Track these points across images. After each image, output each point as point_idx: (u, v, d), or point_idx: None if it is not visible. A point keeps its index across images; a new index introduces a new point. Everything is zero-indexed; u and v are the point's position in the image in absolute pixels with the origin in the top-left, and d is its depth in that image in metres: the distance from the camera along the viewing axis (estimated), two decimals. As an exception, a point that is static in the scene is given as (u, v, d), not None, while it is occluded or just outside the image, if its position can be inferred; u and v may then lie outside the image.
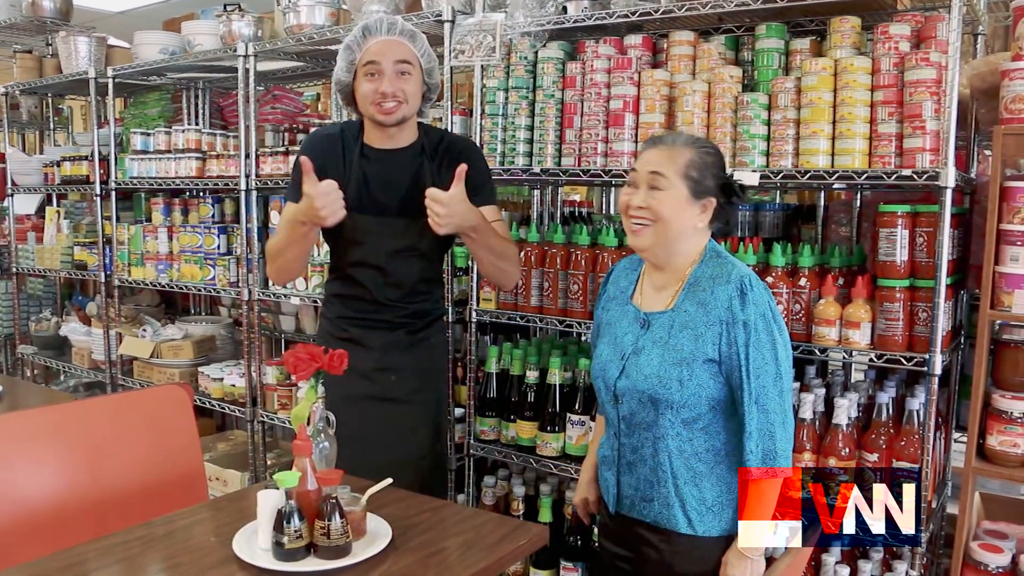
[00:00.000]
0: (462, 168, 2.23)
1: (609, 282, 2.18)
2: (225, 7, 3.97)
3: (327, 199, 2.19)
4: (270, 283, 3.84)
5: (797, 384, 2.57)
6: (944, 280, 2.28)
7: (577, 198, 4.78)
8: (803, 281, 2.51)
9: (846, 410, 2.41)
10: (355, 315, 2.52)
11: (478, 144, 3.03)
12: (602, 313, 2.15)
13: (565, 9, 2.92)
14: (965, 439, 2.44)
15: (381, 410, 2.50)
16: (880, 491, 2.40)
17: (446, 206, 2.20)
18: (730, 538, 1.94)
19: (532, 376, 2.95)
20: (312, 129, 3.81)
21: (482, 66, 3.01)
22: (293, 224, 2.33)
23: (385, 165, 2.46)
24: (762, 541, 1.88)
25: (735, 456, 1.93)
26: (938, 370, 2.29)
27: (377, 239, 2.44)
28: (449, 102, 3.12)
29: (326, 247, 2.90)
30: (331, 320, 2.58)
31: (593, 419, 2.73)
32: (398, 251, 2.46)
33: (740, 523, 1.90)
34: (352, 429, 2.32)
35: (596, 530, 2.47)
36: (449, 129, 3.10)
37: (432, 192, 2.22)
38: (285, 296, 3.85)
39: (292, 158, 3.52)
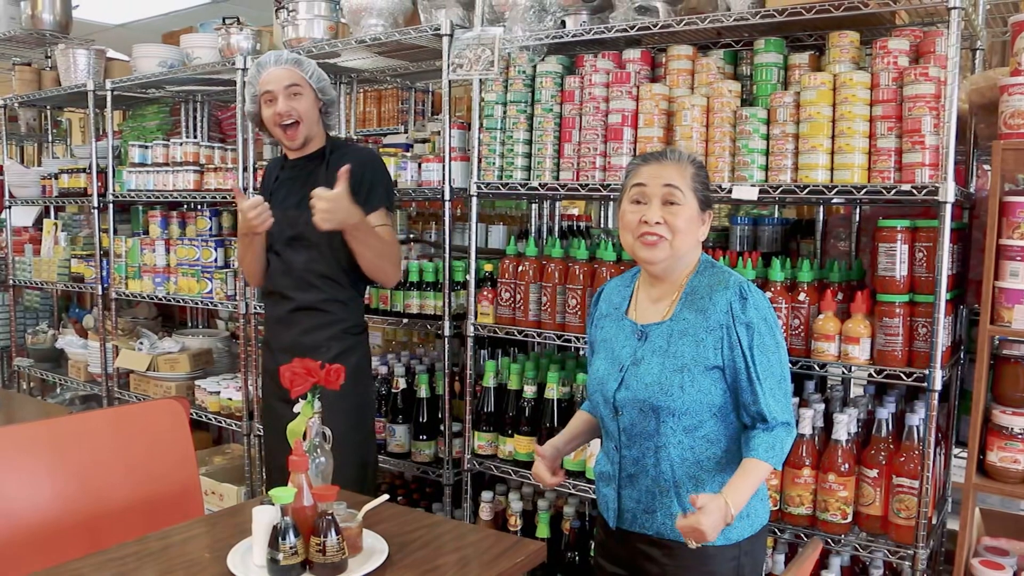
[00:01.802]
0: (344, 169, 2.51)
1: (600, 300, 2.18)
2: (224, 20, 3.97)
3: (255, 211, 2.60)
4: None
5: (796, 399, 2.56)
6: (944, 295, 2.27)
7: (575, 212, 4.78)
8: (802, 296, 2.50)
9: (845, 425, 2.40)
10: (268, 312, 2.92)
11: (476, 157, 3.03)
12: (596, 331, 2.14)
13: (564, 23, 2.92)
14: (965, 455, 2.43)
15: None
16: (879, 508, 2.40)
17: (328, 202, 2.48)
18: (733, 547, 1.92)
19: (530, 391, 2.94)
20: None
21: (480, 80, 3.01)
22: (240, 237, 2.81)
23: (294, 171, 2.84)
24: (740, 508, 1.80)
25: (736, 464, 1.92)
26: (938, 385, 2.28)
27: (278, 228, 2.75)
28: (447, 116, 3.12)
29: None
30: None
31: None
32: (290, 239, 2.77)
33: (728, 484, 1.84)
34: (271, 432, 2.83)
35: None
36: (448, 143, 3.11)
37: (317, 191, 2.51)
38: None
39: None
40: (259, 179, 3.79)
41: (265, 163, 3.82)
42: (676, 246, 1.93)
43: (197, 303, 4.18)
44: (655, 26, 2.66)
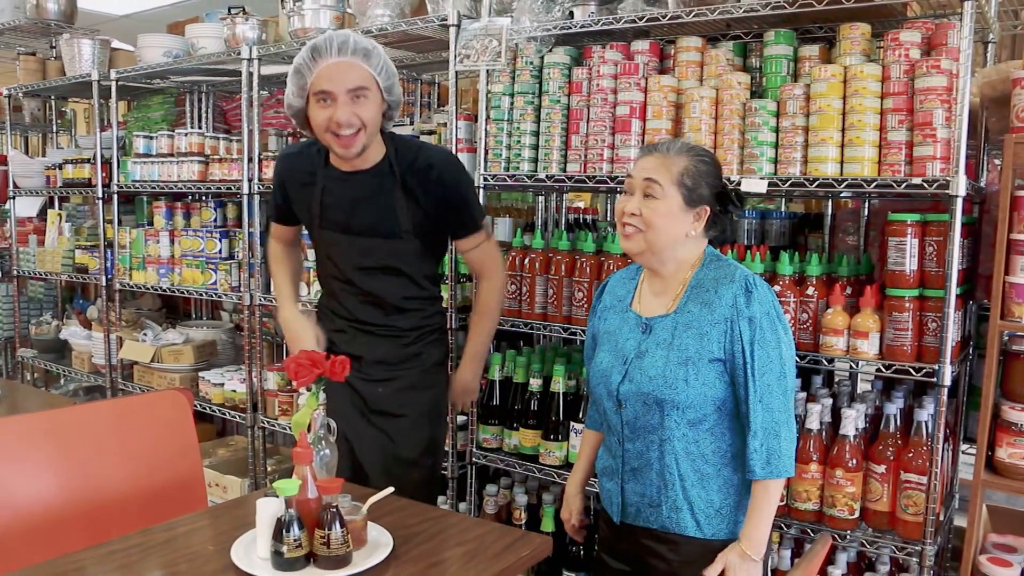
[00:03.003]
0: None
1: (605, 292, 2.17)
2: (229, 10, 3.96)
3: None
4: (272, 288, 3.82)
5: (804, 394, 2.55)
6: (954, 290, 2.25)
7: (582, 205, 4.75)
8: (810, 290, 2.48)
9: (853, 421, 2.39)
10: (339, 329, 2.55)
11: (482, 149, 3.01)
12: (599, 323, 2.13)
13: (572, 14, 2.90)
14: (973, 451, 2.41)
15: (370, 422, 2.50)
16: (887, 503, 2.38)
17: (468, 395, 2.68)
18: (739, 541, 1.91)
19: (535, 384, 2.93)
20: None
21: (487, 71, 2.99)
22: (280, 310, 2.65)
23: (349, 185, 2.41)
24: (763, 544, 1.86)
25: (741, 458, 1.91)
26: (947, 381, 2.26)
27: (345, 255, 2.46)
28: (454, 107, 3.10)
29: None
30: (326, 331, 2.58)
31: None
32: (366, 268, 2.44)
33: (745, 524, 1.89)
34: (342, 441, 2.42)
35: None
36: (454, 134, 3.09)
37: (459, 399, 2.70)
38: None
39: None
40: (265, 169, 3.79)
41: (271, 153, 3.81)
42: (651, 239, 1.93)
43: (201, 294, 4.17)
44: (664, 17, 2.63)
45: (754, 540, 1.85)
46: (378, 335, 2.50)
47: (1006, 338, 2.44)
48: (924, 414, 2.36)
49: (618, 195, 2.04)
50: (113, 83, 4.48)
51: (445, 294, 2.90)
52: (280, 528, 1.64)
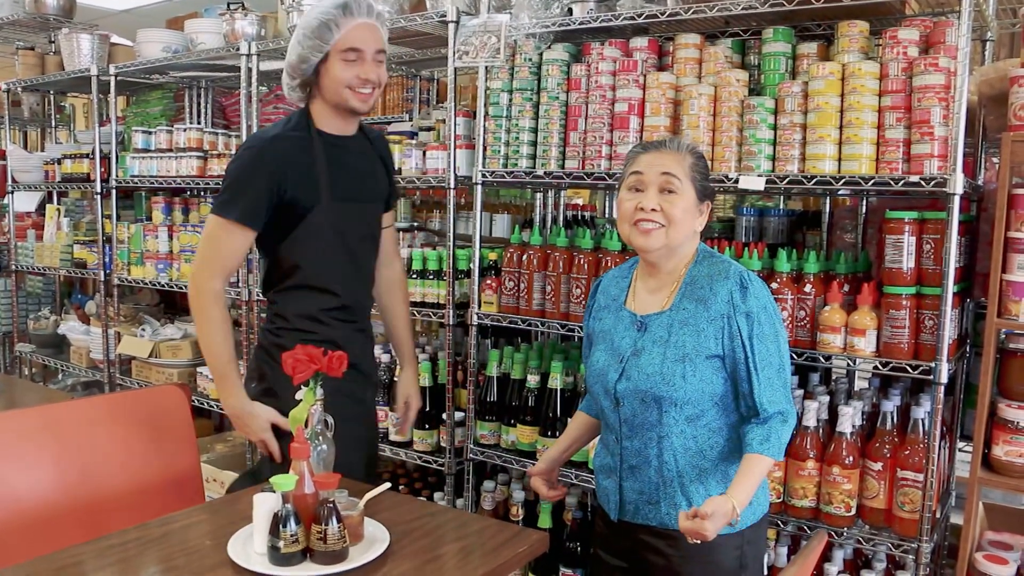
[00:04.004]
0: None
1: (598, 292, 2.17)
2: (228, 6, 3.95)
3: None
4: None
5: (801, 392, 2.55)
6: (951, 288, 2.25)
7: (580, 201, 4.75)
8: (808, 288, 2.48)
9: (850, 418, 2.39)
10: (338, 331, 2.40)
11: (480, 145, 3.02)
12: (594, 323, 2.13)
13: (570, 11, 2.90)
14: (970, 449, 2.41)
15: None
16: (883, 501, 2.39)
17: (414, 407, 2.67)
18: (737, 535, 1.92)
19: (533, 380, 2.93)
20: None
21: (486, 67, 2.99)
22: (232, 394, 2.29)
23: (346, 151, 2.41)
24: (744, 505, 1.80)
25: (739, 453, 1.91)
26: (944, 379, 2.26)
27: (356, 226, 2.42)
28: (452, 103, 3.10)
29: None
30: (297, 333, 2.36)
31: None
32: (364, 237, 2.46)
33: (732, 485, 1.85)
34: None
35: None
36: (453, 131, 3.10)
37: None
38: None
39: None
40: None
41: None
42: (672, 235, 1.93)
43: (200, 290, 4.16)
44: (663, 14, 2.63)
45: (739, 499, 1.80)
46: (365, 327, 2.52)
47: (1003, 336, 2.44)
48: (921, 411, 2.36)
49: (617, 192, 2.02)
50: (112, 78, 4.48)
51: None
52: (277, 523, 1.65)
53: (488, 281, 3.06)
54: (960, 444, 2.85)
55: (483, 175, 3.03)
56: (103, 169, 4.59)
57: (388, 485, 1.92)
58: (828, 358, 2.44)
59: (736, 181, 2.51)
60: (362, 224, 2.45)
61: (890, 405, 2.42)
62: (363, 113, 2.37)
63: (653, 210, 1.91)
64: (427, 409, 3.21)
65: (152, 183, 4.36)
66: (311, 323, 2.36)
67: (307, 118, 2.37)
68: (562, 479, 2.84)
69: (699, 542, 1.76)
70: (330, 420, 2.00)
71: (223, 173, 2.42)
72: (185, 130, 4.27)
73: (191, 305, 2.34)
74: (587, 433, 2.26)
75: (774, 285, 2.46)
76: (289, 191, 2.28)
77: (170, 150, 4.29)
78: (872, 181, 2.34)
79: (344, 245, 2.38)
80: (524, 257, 2.96)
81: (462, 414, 3.18)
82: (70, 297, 5.68)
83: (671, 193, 1.92)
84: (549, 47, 2.91)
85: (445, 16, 3.04)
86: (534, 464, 2.88)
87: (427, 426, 3.23)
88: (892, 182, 2.31)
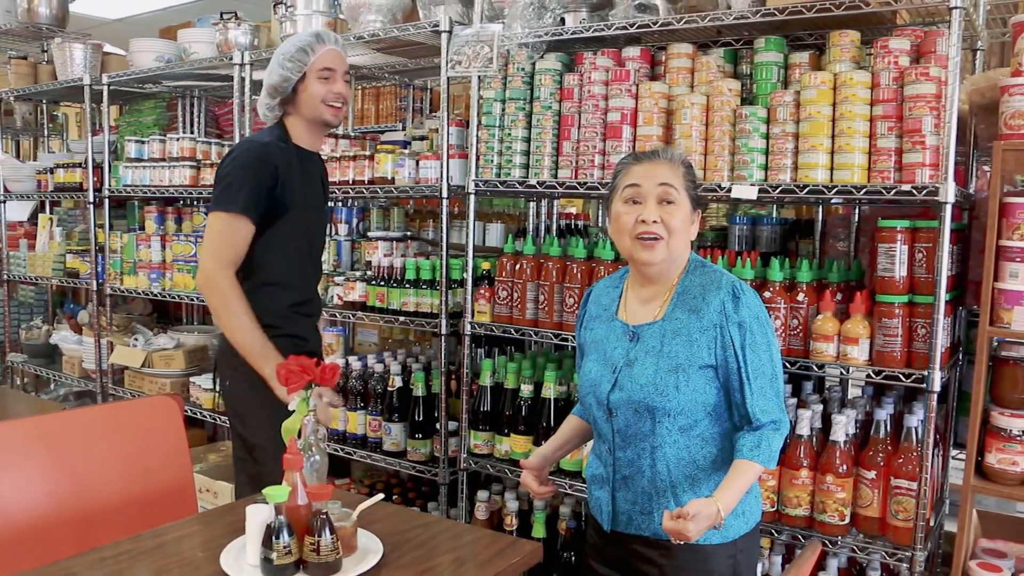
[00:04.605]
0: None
1: (589, 302, 2.16)
2: (222, 15, 3.96)
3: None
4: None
5: (794, 400, 2.55)
6: (943, 296, 2.26)
7: (573, 211, 4.77)
8: (801, 296, 2.49)
9: (843, 427, 2.39)
10: (300, 324, 2.64)
11: (474, 155, 3.02)
12: (586, 333, 2.12)
13: (563, 21, 2.91)
14: (963, 456, 2.42)
15: None
16: (877, 509, 2.39)
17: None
18: (730, 545, 1.91)
19: (527, 390, 2.93)
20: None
21: (479, 77, 3.00)
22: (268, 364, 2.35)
23: (311, 164, 2.67)
24: (729, 510, 1.79)
25: (731, 462, 1.90)
26: (937, 387, 2.27)
27: (319, 234, 2.76)
28: (445, 113, 3.11)
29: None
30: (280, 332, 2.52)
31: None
32: (321, 242, 2.80)
33: (719, 488, 1.83)
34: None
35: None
36: (446, 140, 3.10)
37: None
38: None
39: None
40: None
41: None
42: (672, 246, 1.92)
43: (192, 299, 4.17)
44: (655, 24, 2.64)
45: (724, 502, 1.78)
46: (317, 325, 2.76)
47: (995, 344, 2.45)
48: (914, 420, 2.36)
49: (612, 206, 1.99)
50: (105, 87, 4.48)
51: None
52: (270, 534, 1.64)
53: (481, 290, 3.06)
54: (953, 452, 2.86)
55: (476, 184, 3.03)
56: (96, 178, 4.58)
57: (381, 496, 1.91)
58: (821, 367, 2.45)
59: (729, 190, 2.51)
60: (320, 230, 2.79)
61: (883, 413, 2.43)
62: (334, 126, 2.69)
63: (654, 222, 1.90)
64: (420, 419, 3.21)
65: (145, 192, 4.35)
66: (278, 319, 2.54)
67: (284, 132, 2.62)
68: (555, 484, 2.84)
69: (683, 543, 1.75)
70: (323, 430, 2.00)
71: (215, 177, 2.53)
72: (178, 139, 4.27)
73: (209, 300, 2.47)
74: (581, 433, 2.24)
75: (767, 294, 2.46)
76: (278, 191, 2.49)
77: (163, 159, 4.28)
78: (864, 190, 2.35)
79: (309, 247, 2.67)
80: (517, 266, 2.96)
81: (456, 424, 3.17)
82: (62, 307, 5.66)
83: (670, 204, 1.91)
84: (542, 57, 2.92)
85: (438, 26, 3.04)
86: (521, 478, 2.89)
87: (421, 436, 3.22)
88: (884, 191, 2.32)
